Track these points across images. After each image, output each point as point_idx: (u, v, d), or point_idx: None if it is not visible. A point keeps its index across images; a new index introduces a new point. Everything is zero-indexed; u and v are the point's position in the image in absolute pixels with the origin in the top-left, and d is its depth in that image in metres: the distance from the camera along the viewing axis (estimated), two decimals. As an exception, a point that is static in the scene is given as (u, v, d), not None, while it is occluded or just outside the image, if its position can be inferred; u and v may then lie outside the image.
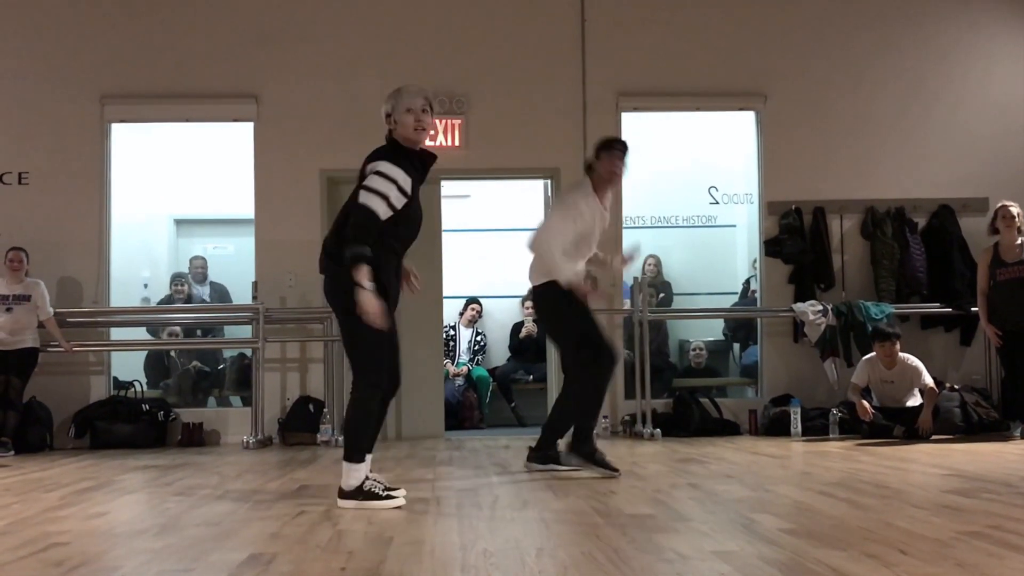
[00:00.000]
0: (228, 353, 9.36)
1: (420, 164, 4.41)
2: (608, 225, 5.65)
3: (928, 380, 7.53)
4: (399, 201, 4.25)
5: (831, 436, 7.74)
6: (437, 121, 8.60)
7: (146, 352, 9.36)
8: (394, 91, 4.43)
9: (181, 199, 10.25)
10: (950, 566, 2.86)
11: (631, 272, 9.10)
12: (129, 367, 8.94)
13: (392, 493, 4.32)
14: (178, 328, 9.21)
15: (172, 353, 9.31)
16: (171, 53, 8.62)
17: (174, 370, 9.28)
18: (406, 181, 4.28)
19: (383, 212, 4.20)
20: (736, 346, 9.74)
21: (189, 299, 9.45)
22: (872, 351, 7.73)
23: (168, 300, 9.41)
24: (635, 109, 8.81)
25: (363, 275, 4.07)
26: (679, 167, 9.93)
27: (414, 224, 4.41)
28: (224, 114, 8.78)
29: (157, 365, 9.35)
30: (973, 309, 7.98)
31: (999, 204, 7.61)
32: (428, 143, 8.88)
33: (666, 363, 9.28)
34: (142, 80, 8.59)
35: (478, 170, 8.82)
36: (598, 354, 5.43)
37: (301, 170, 8.56)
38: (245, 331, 9.04)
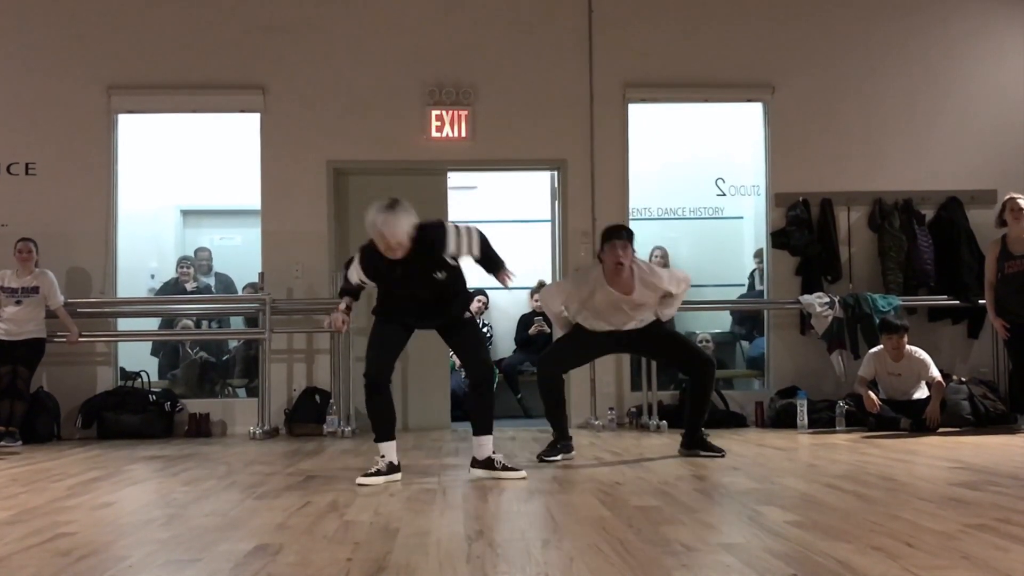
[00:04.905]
0: (233, 343, 9.38)
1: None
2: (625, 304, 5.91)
3: (935, 373, 7.50)
4: None
5: (838, 428, 7.71)
6: (444, 112, 8.60)
7: (153, 342, 9.36)
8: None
9: (188, 190, 10.25)
10: (957, 559, 2.86)
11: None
12: (136, 357, 8.96)
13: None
14: (190, 322, 9.21)
15: (187, 345, 9.32)
16: (178, 43, 8.60)
17: (182, 360, 9.29)
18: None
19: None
20: (743, 339, 9.72)
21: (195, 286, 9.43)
22: (879, 343, 7.71)
23: (173, 283, 9.41)
24: (642, 100, 8.78)
25: None
26: (686, 159, 9.89)
27: None
28: (231, 105, 8.76)
29: (171, 355, 9.38)
30: (981, 302, 7.94)
31: (1007, 196, 7.56)
32: (435, 134, 8.90)
33: (673, 355, 9.24)
34: (149, 70, 8.58)
35: (485, 161, 8.80)
36: None
37: (308, 161, 8.56)
38: (246, 321, 9.06)
